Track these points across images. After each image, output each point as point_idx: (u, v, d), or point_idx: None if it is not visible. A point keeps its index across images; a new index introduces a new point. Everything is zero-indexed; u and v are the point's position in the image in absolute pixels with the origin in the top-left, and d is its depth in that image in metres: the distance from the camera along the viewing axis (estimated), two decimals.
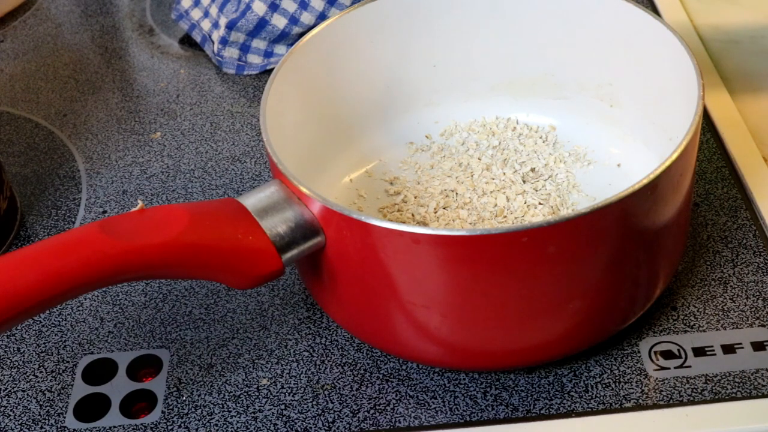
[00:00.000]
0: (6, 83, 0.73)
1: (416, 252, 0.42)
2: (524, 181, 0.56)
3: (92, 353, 0.52)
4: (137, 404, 0.50)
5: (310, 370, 0.50)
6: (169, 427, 0.48)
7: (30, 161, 0.66)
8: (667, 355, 0.49)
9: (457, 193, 0.56)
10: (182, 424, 0.48)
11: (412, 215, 0.55)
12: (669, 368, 0.48)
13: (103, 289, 0.55)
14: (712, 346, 0.49)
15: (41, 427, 0.49)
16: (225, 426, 0.48)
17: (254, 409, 0.49)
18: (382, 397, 0.49)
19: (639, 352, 0.49)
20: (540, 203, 0.54)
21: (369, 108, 0.59)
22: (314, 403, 0.49)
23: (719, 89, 0.65)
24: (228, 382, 0.50)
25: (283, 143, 0.48)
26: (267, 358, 0.51)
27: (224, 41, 0.71)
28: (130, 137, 0.67)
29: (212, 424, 0.48)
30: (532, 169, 0.57)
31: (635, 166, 0.56)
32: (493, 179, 0.56)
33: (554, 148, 0.58)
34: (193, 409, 0.49)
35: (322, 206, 0.44)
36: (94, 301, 0.55)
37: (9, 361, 0.52)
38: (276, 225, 0.44)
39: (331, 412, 0.48)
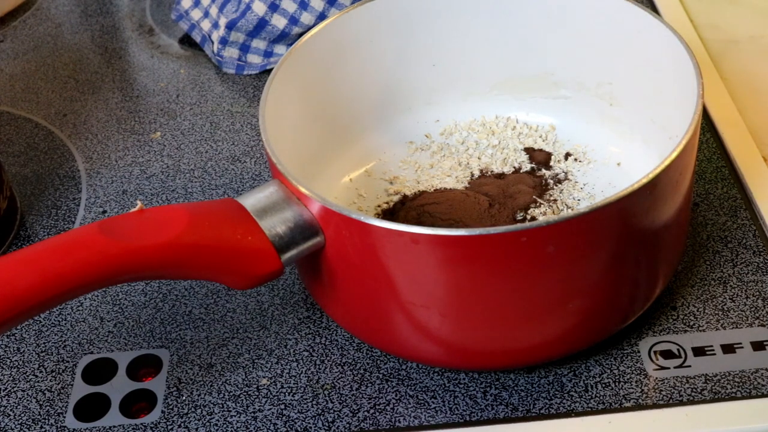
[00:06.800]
0: (6, 83, 0.73)
1: (415, 252, 0.42)
2: None
3: (92, 353, 0.52)
4: (137, 404, 0.50)
5: (309, 369, 0.50)
6: (169, 427, 0.48)
7: (30, 161, 0.66)
8: (667, 354, 0.49)
9: None
10: (182, 424, 0.48)
11: None
12: (669, 368, 0.48)
13: (103, 289, 0.55)
14: (711, 346, 0.49)
15: (41, 427, 0.49)
16: (225, 426, 0.48)
17: (254, 408, 0.49)
18: (382, 397, 0.49)
19: (639, 351, 0.49)
20: (540, 203, 0.54)
21: (368, 107, 0.59)
22: (314, 402, 0.49)
23: (719, 89, 0.65)
24: (228, 381, 0.50)
25: (283, 143, 0.48)
26: (267, 358, 0.51)
27: (224, 41, 0.71)
28: (130, 137, 0.67)
29: (212, 424, 0.48)
30: (532, 169, 0.57)
31: (635, 165, 0.56)
32: None
33: (554, 147, 0.58)
34: (193, 409, 0.49)
35: (321, 206, 0.44)
36: (94, 301, 0.55)
37: (9, 361, 0.53)
38: (275, 225, 0.45)
39: (331, 411, 0.48)
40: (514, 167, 0.57)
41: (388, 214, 0.55)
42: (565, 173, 0.57)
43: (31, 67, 0.75)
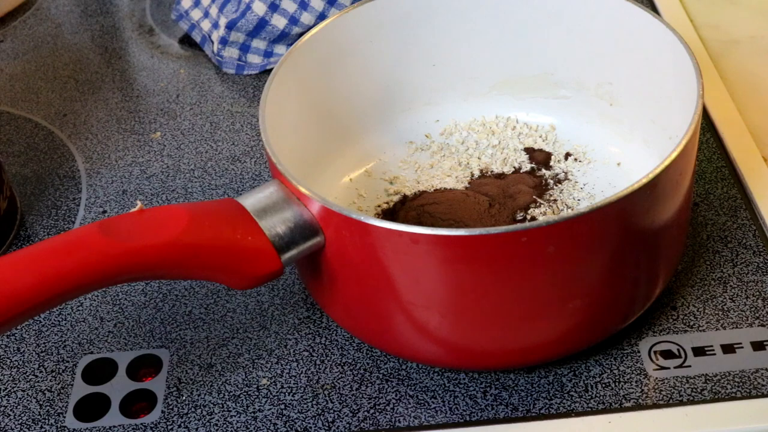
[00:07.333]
0: (6, 83, 0.73)
1: (415, 252, 0.42)
2: None
3: (92, 353, 0.52)
4: (137, 404, 0.50)
5: (309, 369, 0.50)
6: (169, 427, 0.48)
7: (30, 161, 0.66)
8: (667, 354, 0.49)
9: None
10: (182, 424, 0.48)
11: None
12: (669, 368, 0.48)
13: (103, 289, 0.55)
14: (711, 346, 0.49)
15: (41, 427, 0.49)
16: (225, 426, 0.48)
17: (254, 408, 0.49)
18: (382, 397, 0.49)
19: (639, 351, 0.49)
20: (540, 203, 0.54)
21: (368, 107, 0.59)
22: (314, 402, 0.49)
23: (719, 89, 0.65)
24: (228, 381, 0.50)
25: (283, 143, 0.48)
26: (267, 358, 0.51)
27: (224, 41, 0.71)
28: (130, 137, 0.67)
29: (212, 424, 0.48)
30: (532, 169, 0.57)
31: (635, 165, 0.56)
32: None
33: (554, 147, 0.58)
34: (193, 409, 0.49)
35: (321, 206, 0.44)
36: (94, 301, 0.55)
37: (9, 361, 0.53)
38: (275, 225, 0.45)
39: (331, 411, 0.48)
40: (514, 167, 0.57)
41: (388, 214, 0.55)
42: (565, 173, 0.57)
43: (31, 67, 0.75)
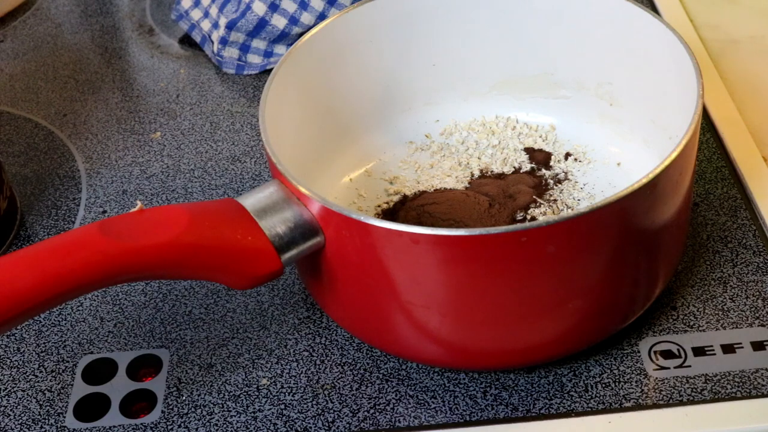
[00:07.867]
0: (6, 83, 0.73)
1: (415, 252, 0.42)
2: None
3: (92, 353, 0.52)
4: (137, 404, 0.50)
5: (309, 369, 0.50)
6: (169, 427, 0.48)
7: (30, 161, 0.66)
8: (667, 354, 0.49)
9: None
10: (182, 424, 0.48)
11: None
12: (669, 368, 0.48)
13: (103, 289, 0.55)
14: (711, 346, 0.49)
15: (41, 427, 0.49)
16: (225, 426, 0.48)
17: (254, 408, 0.49)
18: (382, 397, 0.49)
19: (639, 351, 0.49)
20: (540, 203, 0.54)
21: (368, 107, 0.59)
22: (314, 402, 0.49)
23: (719, 89, 0.65)
24: (228, 381, 0.50)
25: (283, 143, 0.48)
26: (267, 358, 0.51)
27: (224, 41, 0.71)
28: (130, 137, 0.67)
29: (212, 424, 0.48)
30: (532, 169, 0.57)
31: (635, 165, 0.56)
32: None
33: (554, 147, 0.58)
34: (193, 409, 0.49)
35: (321, 206, 0.44)
36: (94, 301, 0.55)
37: (9, 361, 0.53)
38: (275, 225, 0.45)
39: (331, 411, 0.48)
40: (514, 167, 0.57)
41: (388, 214, 0.55)
42: (565, 173, 0.57)
43: (31, 67, 0.75)
